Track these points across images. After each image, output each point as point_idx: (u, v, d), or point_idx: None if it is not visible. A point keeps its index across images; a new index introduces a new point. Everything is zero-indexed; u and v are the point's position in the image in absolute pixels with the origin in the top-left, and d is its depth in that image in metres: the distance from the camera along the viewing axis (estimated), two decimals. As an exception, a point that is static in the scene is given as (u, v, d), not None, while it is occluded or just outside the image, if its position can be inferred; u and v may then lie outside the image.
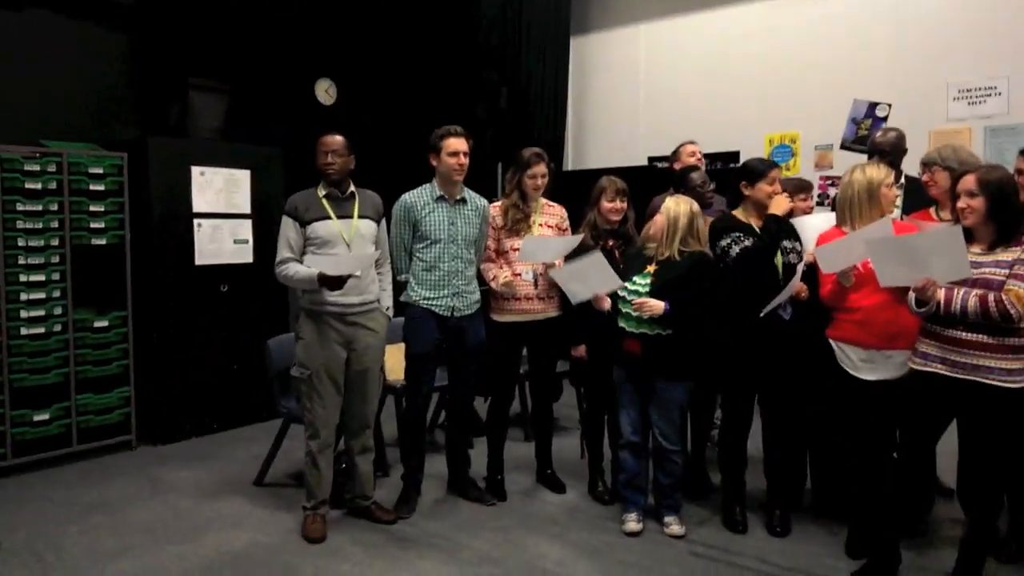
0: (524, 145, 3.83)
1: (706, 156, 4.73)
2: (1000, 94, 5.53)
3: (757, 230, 3.17)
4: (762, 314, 3.05)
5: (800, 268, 3.08)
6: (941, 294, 2.55)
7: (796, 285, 3.04)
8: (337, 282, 3.14)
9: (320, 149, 3.27)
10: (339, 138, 3.30)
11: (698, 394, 3.40)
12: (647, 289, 3.15)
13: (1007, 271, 2.49)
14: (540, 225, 3.68)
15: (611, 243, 3.55)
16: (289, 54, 5.47)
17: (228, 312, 4.85)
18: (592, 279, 3.19)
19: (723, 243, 3.20)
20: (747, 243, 3.14)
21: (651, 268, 3.21)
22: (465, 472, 3.75)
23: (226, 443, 4.62)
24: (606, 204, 3.56)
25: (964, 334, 2.56)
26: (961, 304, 2.51)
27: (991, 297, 2.46)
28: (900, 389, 2.78)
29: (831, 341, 2.96)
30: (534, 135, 6.99)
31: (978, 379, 2.54)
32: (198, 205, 4.70)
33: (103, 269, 4.40)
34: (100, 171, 4.35)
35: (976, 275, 2.53)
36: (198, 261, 4.70)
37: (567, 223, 3.82)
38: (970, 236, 2.63)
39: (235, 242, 4.88)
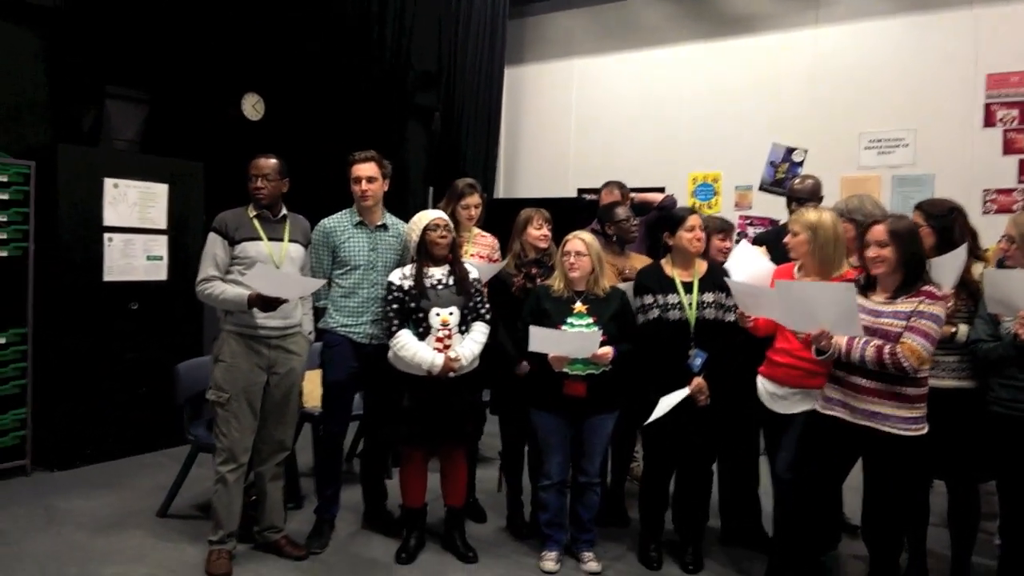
0: (455, 171, 3.82)
1: (632, 191, 4.83)
2: (907, 145, 5.87)
3: (679, 283, 3.23)
4: (646, 423, 3.10)
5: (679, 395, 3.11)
6: (843, 341, 2.64)
7: (691, 390, 3.12)
8: (272, 304, 3.05)
9: (251, 172, 3.19)
10: (272, 162, 3.22)
11: (619, 425, 3.42)
12: (593, 328, 3.13)
13: (905, 323, 2.59)
14: (472, 255, 3.68)
15: (535, 271, 3.55)
16: (216, 67, 5.32)
17: (137, 332, 4.63)
18: (568, 345, 3.10)
19: (639, 303, 3.26)
20: (655, 314, 3.20)
21: (582, 307, 3.21)
22: (382, 504, 3.66)
23: (129, 470, 4.38)
24: (533, 232, 3.58)
25: (863, 381, 2.66)
26: (860, 353, 2.60)
27: (887, 349, 2.56)
28: (806, 426, 2.88)
29: (759, 377, 3.08)
30: (466, 161, 7.00)
31: (875, 426, 2.63)
32: (109, 218, 4.49)
33: (3, 283, 4.14)
34: (5, 179, 4.11)
35: (876, 324, 2.63)
36: (107, 277, 4.48)
37: (498, 253, 3.82)
38: (873, 284, 2.75)
39: (148, 258, 4.68)
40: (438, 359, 3.14)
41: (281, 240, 3.23)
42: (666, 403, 3.07)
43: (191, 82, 5.20)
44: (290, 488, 3.69)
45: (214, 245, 3.16)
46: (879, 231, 2.67)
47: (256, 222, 3.20)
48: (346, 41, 6.12)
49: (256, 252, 3.16)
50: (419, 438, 3.26)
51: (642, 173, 6.54)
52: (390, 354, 3.23)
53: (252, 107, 5.75)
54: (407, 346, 3.15)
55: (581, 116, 7.40)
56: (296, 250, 3.29)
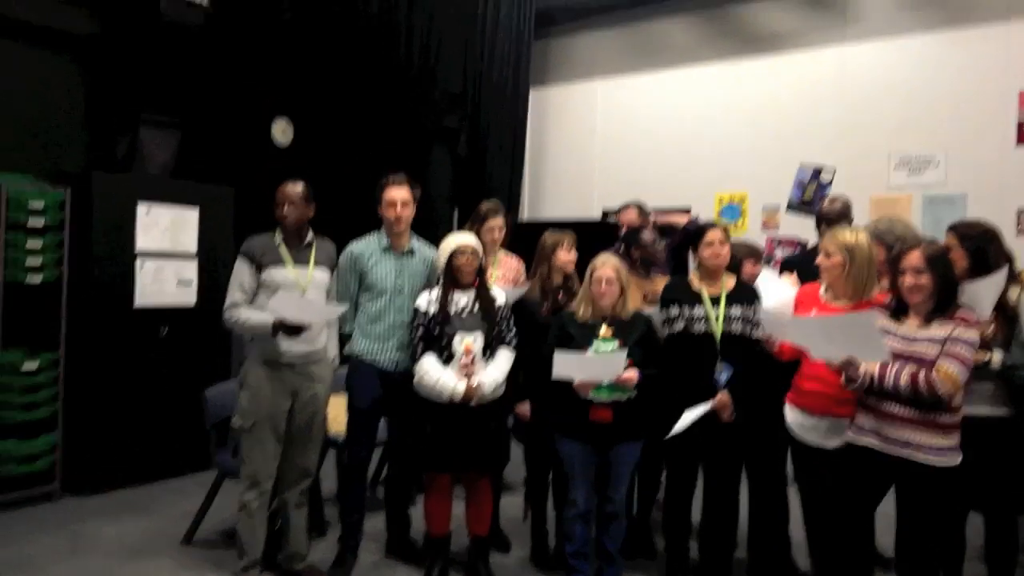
0: (481, 192, 3.83)
1: (657, 212, 4.81)
2: (939, 165, 5.76)
3: (706, 297, 3.20)
4: (669, 436, 3.05)
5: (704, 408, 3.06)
6: (875, 368, 2.59)
7: (715, 404, 3.07)
8: (295, 331, 3.07)
9: (277, 198, 3.23)
10: (298, 188, 3.25)
11: (645, 454, 3.38)
12: (618, 351, 3.09)
13: (939, 348, 2.54)
14: (497, 278, 3.68)
15: (561, 297, 3.53)
16: (246, 92, 5.41)
17: (166, 357, 4.68)
18: (593, 368, 3.08)
19: (664, 315, 3.24)
20: (680, 327, 3.17)
21: (607, 331, 3.17)
22: (406, 532, 3.64)
23: (158, 495, 4.41)
24: (564, 256, 3.54)
25: (896, 409, 2.59)
26: (894, 380, 2.54)
27: (922, 376, 2.50)
28: (838, 456, 2.81)
29: (787, 406, 3.02)
30: (491, 183, 7.02)
31: (909, 455, 2.57)
32: (142, 243, 4.56)
33: (37, 308, 4.22)
34: (40, 206, 4.20)
35: (910, 351, 2.58)
36: (138, 303, 4.55)
37: (523, 276, 3.81)
38: (905, 310, 2.68)
39: (179, 283, 4.74)
40: (460, 386, 3.13)
41: (307, 265, 3.25)
42: (689, 416, 3.02)
43: (222, 107, 5.29)
44: (314, 516, 3.68)
45: (241, 271, 3.20)
46: (916, 258, 2.60)
47: (283, 248, 3.23)
48: (373, 65, 6.19)
49: (282, 278, 3.18)
50: (442, 464, 3.24)
51: (668, 193, 6.52)
52: (415, 380, 3.22)
53: (281, 132, 5.83)
54: (429, 372, 3.14)
55: (606, 137, 7.40)
56: (322, 275, 3.31)
